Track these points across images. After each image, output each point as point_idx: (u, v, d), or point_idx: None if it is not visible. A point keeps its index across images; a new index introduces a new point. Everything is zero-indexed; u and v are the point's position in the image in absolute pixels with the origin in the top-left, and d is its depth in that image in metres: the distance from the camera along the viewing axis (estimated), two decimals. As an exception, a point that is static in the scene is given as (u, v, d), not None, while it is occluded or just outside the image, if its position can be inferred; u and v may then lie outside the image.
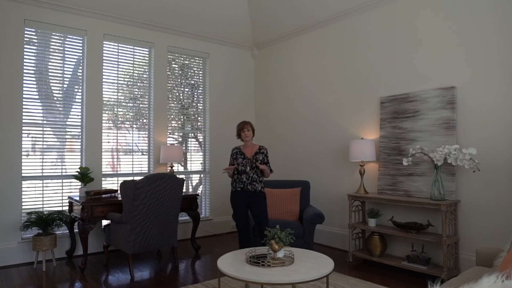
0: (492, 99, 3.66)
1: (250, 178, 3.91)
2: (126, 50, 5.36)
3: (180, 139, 5.97)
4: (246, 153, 4.01)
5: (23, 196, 4.48)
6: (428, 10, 4.16)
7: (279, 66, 6.19)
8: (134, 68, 5.48)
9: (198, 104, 6.13)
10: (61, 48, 4.85)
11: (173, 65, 5.85)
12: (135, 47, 5.43)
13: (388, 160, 4.44)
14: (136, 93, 5.47)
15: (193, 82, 6.08)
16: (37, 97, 4.65)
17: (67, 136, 4.90)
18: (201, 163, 6.14)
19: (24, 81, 4.52)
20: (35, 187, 4.62)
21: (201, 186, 6.15)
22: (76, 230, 4.60)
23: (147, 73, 5.56)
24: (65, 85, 4.88)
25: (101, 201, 4.19)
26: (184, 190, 4.63)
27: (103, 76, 5.10)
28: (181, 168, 5.93)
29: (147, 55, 5.55)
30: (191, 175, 6.07)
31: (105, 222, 4.72)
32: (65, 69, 4.87)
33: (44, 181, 4.68)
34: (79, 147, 4.96)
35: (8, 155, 4.37)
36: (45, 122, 4.70)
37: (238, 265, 2.83)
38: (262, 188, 3.99)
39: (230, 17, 5.93)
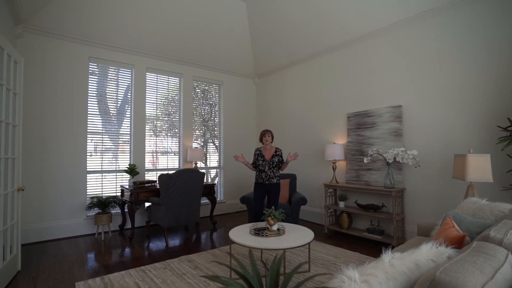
0: (429, 114, 3.68)
1: (267, 176, 3.74)
2: (163, 79, 5.39)
3: (202, 144, 5.98)
4: (265, 155, 3.81)
5: (87, 185, 4.50)
6: (381, 49, 4.19)
7: (274, 91, 6.21)
8: (168, 92, 5.50)
9: (215, 118, 6.15)
10: (115, 78, 4.88)
11: (197, 90, 5.87)
12: (169, 77, 5.45)
13: (353, 159, 4.45)
14: (170, 110, 5.49)
15: (211, 102, 6.10)
16: (97, 113, 4.67)
17: (119, 141, 4.91)
18: (217, 161, 6.15)
19: (89, 102, 4.55)
20: (96, 178, 4.63)
21: (217, 178, 6.15)
22: (126, 210, 4.63)
23: (178, 96, 5.58)
24: (118, 104, 4.90)
25: (144, 189, 4.21)
26: (204, 181, 4.64)
27: (146, 98, 5.12)
28: (203, 165, 5.93)
29: (177, 83, 5.58)
30: (210, 170, 6.08)
31: (147, 204, 4.74)
32: (118, 92, 4.89)
33: (103, 174, 4.70)
34: (129, 149, 4.98)
35: (77, 156, 4.39)
36: (103, 131, 4.72)
37: (244, 235, 2.84)
38: (277, 181, 3.80)
39: (238, 55, 5.96)
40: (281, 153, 3.88)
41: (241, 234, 2.88)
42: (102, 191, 4.65)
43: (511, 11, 3.06)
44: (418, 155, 3.68)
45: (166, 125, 5.46)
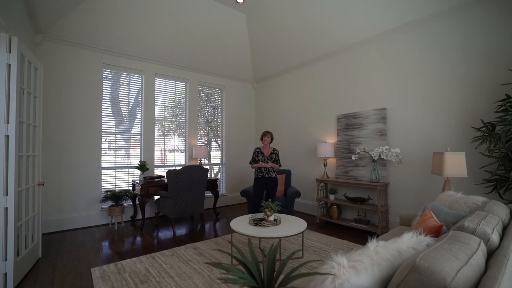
0: (411, 116, 3.69)
1: (266, 170, 3.76)
2: (170, 84, 5.37)
3: (206, 142, 5.97)
4: (264, 152, 3.84)
5: (102, 180, 4.49)
6: (367, 57, 4.19)
7: (271, 94, 6.20)
8: (176, 96, 5.49)
9: (218, 120, 6.14)
10: (127, 83, 4.86)
11: (201, 94, 5.86)
12: (176, 82, 5.43)
13: (342, 156, 4.45)
14: (177, 112, 5.48)
15: (214, 105, 6.08)
16: (111, 114, 4.66)
17: (131, 140, 4.90)
18: (220, 158, 6.14)
19: (103, 104, 4.53)
20: (110, 174, 4.62)
21: (219, 173, 6.15)
22: (137, 202, 4.63)
23: (184, 99, 5.56)
24: (130, 106, 4.88)
25: (153, 183, 4.21)
26: (208, 176, 4.63)
27: (155, 101, 5.11)
28: (206, 161, 5.93)
29: (184, 87, 5.56)
30: (213, 166, 6.08)
31: (156, 197, 4.73)
32: (130, 96, 4.87)
33: (116, 170, 4.69)
34: (139, 147, 4.96)
35: (93, 153, 4.38)
36: (116, 131, 4.70)
37: (244, 225, 2.84)
38: (275, 175, 3.81)
39: (239, 62, 5.94)
40: (278, 152, 3.92)
41: (241, 224, 2.89)
42: (115, 185, 4.64)
43: (486, 24, 3.06)
44: (400, 153, 3.69)
45: (173, 126, 5.45)
